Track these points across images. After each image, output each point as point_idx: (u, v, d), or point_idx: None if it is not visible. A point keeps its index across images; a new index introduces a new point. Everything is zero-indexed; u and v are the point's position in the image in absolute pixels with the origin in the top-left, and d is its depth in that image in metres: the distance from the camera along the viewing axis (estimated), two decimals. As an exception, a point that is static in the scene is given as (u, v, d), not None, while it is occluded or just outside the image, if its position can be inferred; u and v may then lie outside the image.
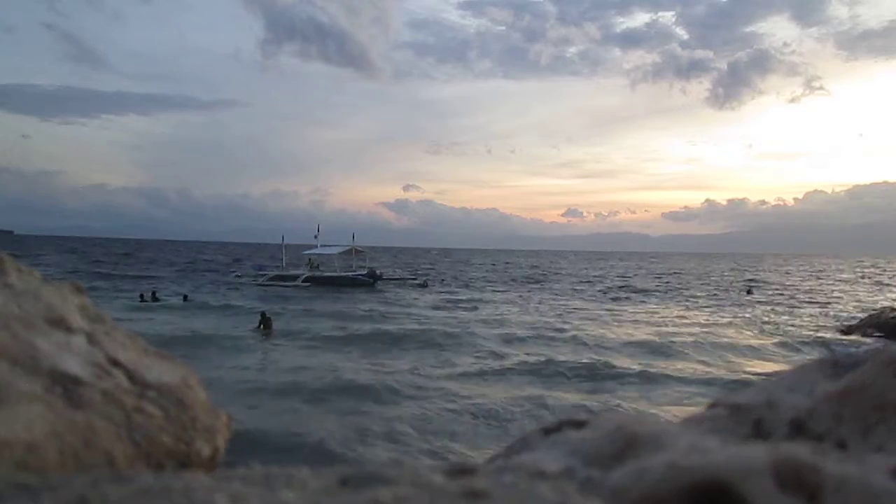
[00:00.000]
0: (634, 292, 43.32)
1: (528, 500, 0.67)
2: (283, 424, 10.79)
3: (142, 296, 31.19)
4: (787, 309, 33.60)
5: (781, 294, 43.88)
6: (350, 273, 41.86)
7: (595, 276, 66.63)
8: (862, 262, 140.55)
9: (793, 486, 0.65)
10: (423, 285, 45.30)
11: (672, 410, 11.80)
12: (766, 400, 0.99)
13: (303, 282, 39.86)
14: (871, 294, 45.46)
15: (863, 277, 71.19)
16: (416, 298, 34.69)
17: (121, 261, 72.52)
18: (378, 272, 43.55)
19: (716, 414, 1.03)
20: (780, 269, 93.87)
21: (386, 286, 41.97)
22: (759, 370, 16.26)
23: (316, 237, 43.34)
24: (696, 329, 23.93)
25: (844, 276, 74.59)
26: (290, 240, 49.20)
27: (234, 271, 48.21)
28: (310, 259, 44.27)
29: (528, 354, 17.59)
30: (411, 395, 12.92)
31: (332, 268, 42.99)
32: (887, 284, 58.70)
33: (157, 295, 31.63)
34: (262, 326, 21.69)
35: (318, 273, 41.84)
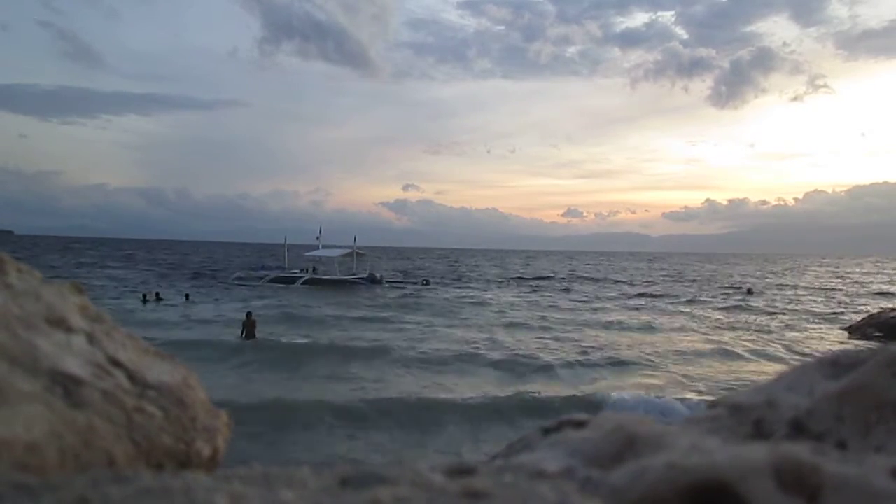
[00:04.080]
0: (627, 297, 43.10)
1: (528, 500, 0.67)
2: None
3: (144, 296, 31.39)
4: (786, 310, 33.57)
5: (781, 295, 43.86)
6: (350, 276, 41.79)
7: (598, 277, 66.49)
8: (862, 262, 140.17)
9: (793, 486, 0.65)
10: (426, 283, 45.30)
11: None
12: (766, 400, 0.99)
13: (302, 284, 39.85)
14: (868, 295, 45.41)
15: (861, 277, 71.24)
16: (414, 302, 34.24)
17: (121, 261, 72.54)
18: (378, 276, 43.53)
19: (716, 414, 1.03)
20: (780, 270, 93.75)
21: (386, 290, 41.71)
22: (757, 373, 16.11)
23: (318, 238, 43.39)
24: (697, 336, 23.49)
25: (844, 276, 74.50)
26: (292, 240, 49.21)
27: (236, 273, 48.23)
28: (305, 269, 44.52)
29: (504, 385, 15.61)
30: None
31: (333, 270, 42.89)
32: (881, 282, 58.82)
33: (160, 294, 31.85)
34: (244, 333, 19.83)
35: (318, 276, 41.80)
